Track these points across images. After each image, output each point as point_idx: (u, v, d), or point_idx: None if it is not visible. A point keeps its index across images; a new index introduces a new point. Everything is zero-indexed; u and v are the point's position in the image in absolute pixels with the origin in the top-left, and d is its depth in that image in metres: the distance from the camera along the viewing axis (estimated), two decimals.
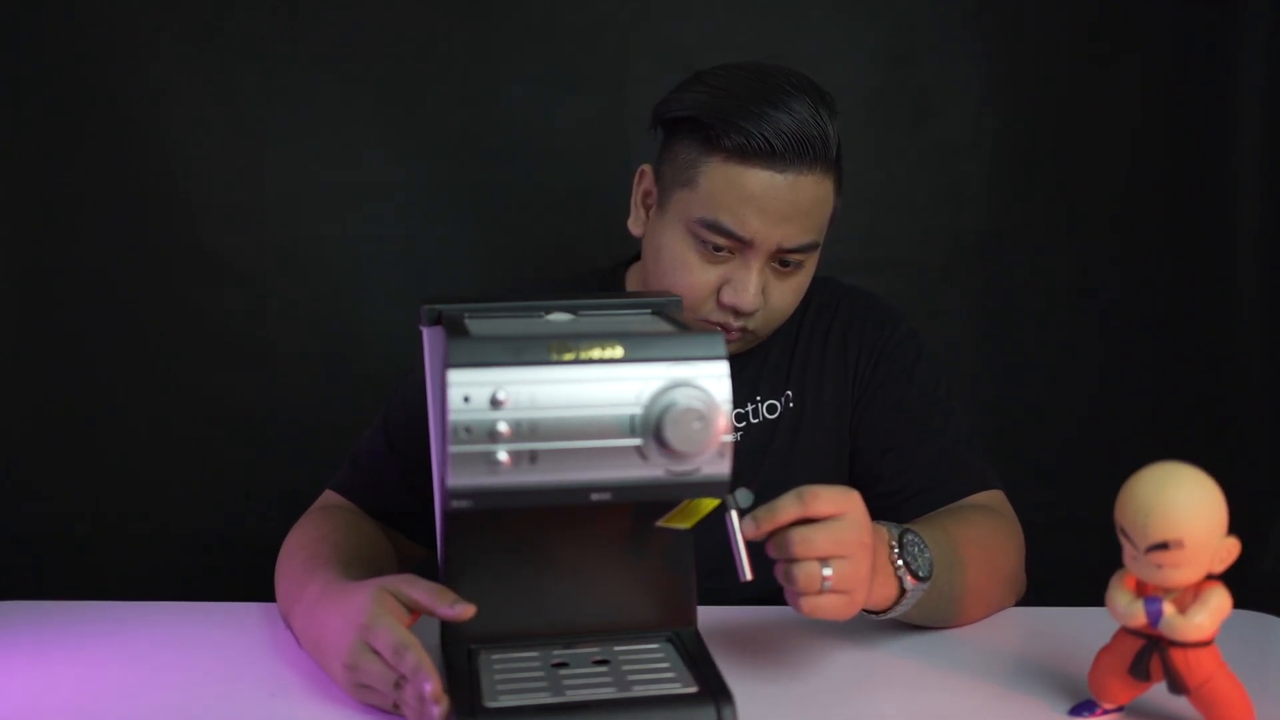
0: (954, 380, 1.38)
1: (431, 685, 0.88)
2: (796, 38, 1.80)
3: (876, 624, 1.10)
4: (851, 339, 1.36)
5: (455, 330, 0.88)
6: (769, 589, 1.30)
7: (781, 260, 1.23)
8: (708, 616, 1.02)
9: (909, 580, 1.02)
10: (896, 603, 1.02)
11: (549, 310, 0.97)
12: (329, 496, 1.30)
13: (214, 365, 1.82)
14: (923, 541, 1.05)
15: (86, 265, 1.80)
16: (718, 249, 1.21)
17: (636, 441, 0.85)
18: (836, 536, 0.93)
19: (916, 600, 1.04)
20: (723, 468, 0.86)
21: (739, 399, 1.33)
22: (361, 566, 1.10)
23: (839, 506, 0.94)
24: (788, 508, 0.93)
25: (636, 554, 0.99)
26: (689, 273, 1.23)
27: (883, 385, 1.34)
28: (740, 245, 1.21)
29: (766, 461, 1.33)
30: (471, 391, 0.83)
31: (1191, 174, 1.83)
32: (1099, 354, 1.86)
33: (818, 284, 1.40)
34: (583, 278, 1.43)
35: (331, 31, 1.78)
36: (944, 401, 1.34)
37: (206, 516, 1.83)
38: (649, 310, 0.99)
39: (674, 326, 0.92)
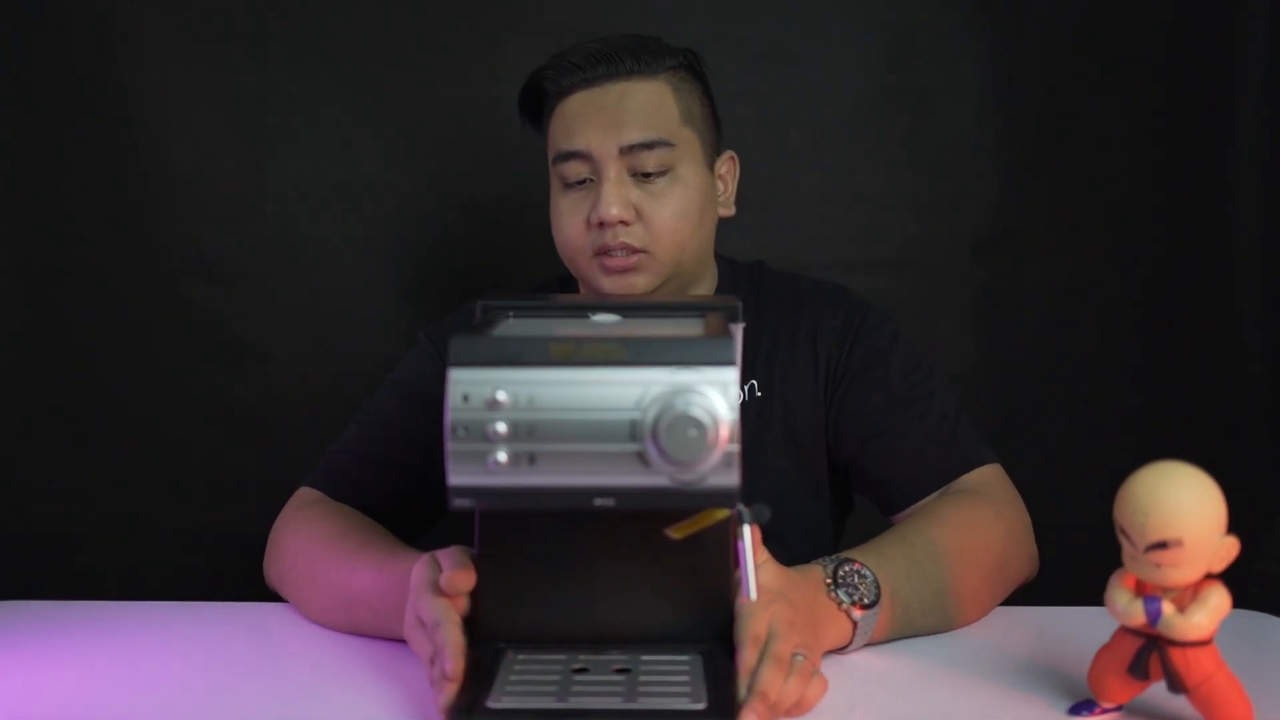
0: (947, 374, 1.37)
1: (451, 665, 0.89)
2: (796, 38, 1.80)
3: None
4: (822, 332, 1.34)
5: (479, 329, 0.88)
6: None
7: (640, 172, 1.27)
8: None
9: (855, 612, 1.02)
10: (854, 636, 1.03)
11: (596, 311, 0.96)
12: (306, 494, 1.30)
13: (214, 365, 1.82)
14: (864, 569, 1.04)
15: (86, 265, 1.80)
16: (578, 182, 1.28)
17: (636, 447, 0.83)
18: (775, 657, 0.91)
19: (872, 626, 1.04)
20: (731, 478, 0.83)
21: None
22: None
23: (757, 627, 0.92)
24: (772, 680, 0.90)
25: (675, 563, 0.97)
26: (564, 216, 1.29)
27: (860, 371, 1.32)
28: (589, 164, 1.27)
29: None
30: (471, 390, 0.82)
31: (1191, 174, 1.83)
32: (1098, 353, 1.86)
33: (783, 278, 1.40)
34: (548, 283, 1.45)
35: (331, 32, 1.78)
36: (925, 382, 1.32)
37: (206, 516, 1.83)
38: (698, 314, 0.97)
39: (701, 332, 0.90)
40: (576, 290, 1.41)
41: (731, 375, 0.83)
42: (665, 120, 1.28)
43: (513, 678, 0.93)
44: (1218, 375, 1.85)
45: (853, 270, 1.75)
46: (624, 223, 1.25)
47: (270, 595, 1.20)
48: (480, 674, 0.92)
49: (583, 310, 0.97)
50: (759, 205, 1.41)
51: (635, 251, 1.26)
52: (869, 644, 1.06)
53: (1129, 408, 1.85)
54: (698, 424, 0.82)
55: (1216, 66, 1.81)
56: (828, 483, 1.36)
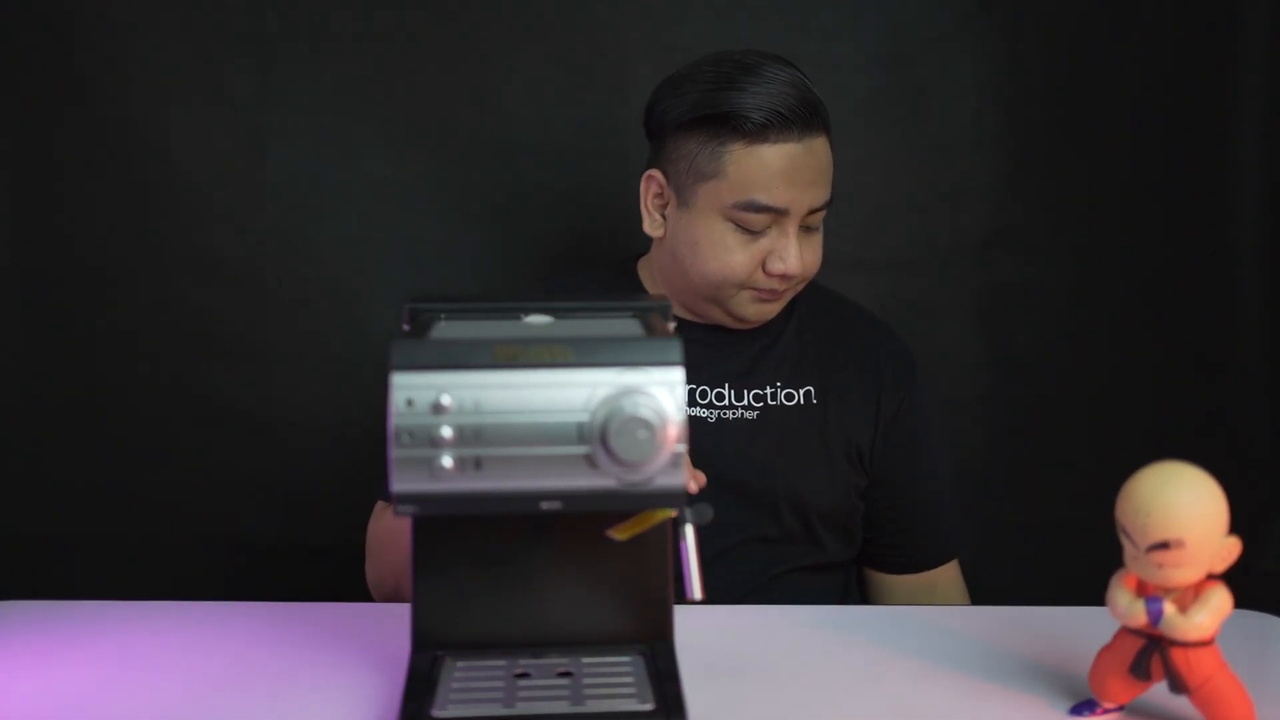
0: (953, 384, 1.42)
1: None
2: (796, 38, 1.80)
3: (874, 624, 1.10)
4: (884, 383, 1.42)
5: (415, 332, 0.87)
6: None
7: (807, 225, 1.32)
8: (710, 617, 1.01)
9: None
10: None
11: (528, 312, 0.95)
12: (380, 508, 1.35)
13: (214, 365, 1.81)
14: None
15: (86, 265, 1.80)
16: (757, 226, 1.30)
17: (584, 449, 0.82)
18: None
19: None
20: (677, 479, 0.83)
21: (758, 379, 1.38)
22: None
23: None
24: None
25: (614, 565, 0.97)
26: (732, 253, 1.31)
27: (899, 447, 1.42)
28: (777, 216, 1.29)
29: (787, 444, 1.37)
30: (415, 395, 0.81)
31: (1192, 173, 1.83)
32: (1099, 354, 1.86)
33: (824, 291, 1.46)
34: (597, 271, 1.47)
35: (331, 31, 1.78)
36: (939, 475, 1.46)
37: (206, 516, 1.83)
38: (630, 313, 0.97)
39: (645, 332, 0.89)
40: (635, 279, 1.43)
41: (678, 375, 0.82)
42: (831, 175, 1.34)
43: (455, 685, 0.91)
44: (1219, 375, 1.85)
45: (853, 270, 1.74)
46: None
47: (270, 595, 1.20)
48: (421, 683, 0.91)
49: (514, 311, 0.95)
50: None
51: (788, 291, 1.35)
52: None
53: (1130, 408, 1.84)
54: (647, 425, 0.81)
55: (1217, 65, 1.81)
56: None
